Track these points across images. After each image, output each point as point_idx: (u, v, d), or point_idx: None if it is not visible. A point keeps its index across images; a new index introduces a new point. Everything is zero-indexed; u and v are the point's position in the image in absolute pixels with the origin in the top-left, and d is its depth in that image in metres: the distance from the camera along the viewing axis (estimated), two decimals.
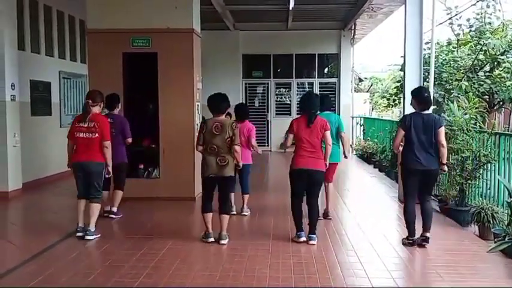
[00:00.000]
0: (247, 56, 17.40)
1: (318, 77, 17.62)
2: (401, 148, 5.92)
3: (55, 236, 6.19)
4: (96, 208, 6.22)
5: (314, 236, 5.92)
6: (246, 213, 7.47)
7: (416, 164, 5.77)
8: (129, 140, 7.30)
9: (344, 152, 7.12)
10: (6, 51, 8.77)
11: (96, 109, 6.24)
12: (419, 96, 5.90)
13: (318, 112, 6.23)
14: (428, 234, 5.83)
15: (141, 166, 8.66)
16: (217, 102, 6.00)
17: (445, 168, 5.97)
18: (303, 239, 5.89)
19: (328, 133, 5.96)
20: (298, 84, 17.70)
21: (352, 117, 18.08)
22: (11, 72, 8.93)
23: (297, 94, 17.58)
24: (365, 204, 8.51)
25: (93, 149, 6.12)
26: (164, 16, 8.40)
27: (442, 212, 7.53)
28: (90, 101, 6.19)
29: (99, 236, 6.23)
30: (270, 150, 17.12)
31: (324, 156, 5.97)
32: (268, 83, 17.64)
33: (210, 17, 13.34)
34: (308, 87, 17.68)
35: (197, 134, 6.14)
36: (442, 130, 5.81)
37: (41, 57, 10.54)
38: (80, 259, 5.41)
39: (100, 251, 5.62)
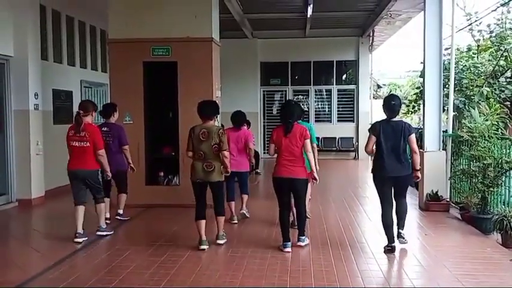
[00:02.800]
0: (265, 64, 17.45)
1: (336, 84, 17.58)
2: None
3: (77, 243, 6.28)
4: (101, 207, 6.58)
5: (302, 237, 5.99)
6: (245, 212, 7.64)
7: (385, 171, 5.84)
8: (126, 147, 7.35)
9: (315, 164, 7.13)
10: (29, 61, 8.95)
11: (88, 119, 6.41)
12: (386, 103, 5.99)
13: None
14: (402, 231, 5.99)
15: (161, 174, 8.77)
16: (205, 109, 6.09)
17: (418, 174, 5.98)
18: (288, 249, 5.86)
19: (307, 141, 5.91)
20: (316, 92, 17.68)
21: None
22: (35, 82, 9.10)
23: (315, 101, 17.59)
24: None
25: (85, 158, 6.34)
26: (184, 25, 8.51)
27: (464, 220, 7.45)
28: (82, 112, 6.37)
29: (112, 232, 6.61)
30: None
31: (311, 164, 6.00)
32: (286, 90, 17.64)
33: (229, 26, 13.44)
34: (326, 94, 17.66)
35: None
36: (413, 137, 5.87)
37: (63, 67, 10.74)
38: (102, 266, 5.48)
39: (122, 258, 5.68)
